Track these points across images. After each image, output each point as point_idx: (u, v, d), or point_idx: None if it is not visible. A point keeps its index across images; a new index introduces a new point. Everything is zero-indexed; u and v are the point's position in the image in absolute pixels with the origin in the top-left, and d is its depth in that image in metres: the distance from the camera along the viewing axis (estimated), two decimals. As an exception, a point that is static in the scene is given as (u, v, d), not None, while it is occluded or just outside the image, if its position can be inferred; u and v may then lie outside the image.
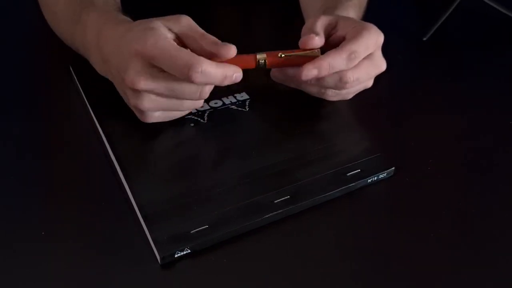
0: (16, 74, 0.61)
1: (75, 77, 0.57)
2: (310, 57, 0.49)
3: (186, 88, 0.45)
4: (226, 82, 0.45)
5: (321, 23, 0.51)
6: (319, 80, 0.49)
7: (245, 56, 0.48)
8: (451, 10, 0.71)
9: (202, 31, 0.46)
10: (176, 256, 0.41)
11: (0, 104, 0.56)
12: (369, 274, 0.42)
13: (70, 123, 0.55)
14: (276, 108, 0.55)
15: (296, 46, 0.50)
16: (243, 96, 0.56)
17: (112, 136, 0.50)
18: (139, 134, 0.49)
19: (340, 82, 0.49)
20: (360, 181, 0.48)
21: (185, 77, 0.43)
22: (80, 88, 0.55)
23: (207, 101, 0.53)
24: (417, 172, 0.50)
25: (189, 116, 0.52)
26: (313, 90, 0.52)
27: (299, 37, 0.52)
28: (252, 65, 0.49)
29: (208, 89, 0.46)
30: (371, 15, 0.60)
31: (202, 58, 0.43)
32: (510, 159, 0.53)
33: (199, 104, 0.49)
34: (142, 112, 0.47)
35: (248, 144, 0.50)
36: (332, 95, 0.53)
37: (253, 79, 0.50)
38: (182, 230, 0.42)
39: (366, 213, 0.47)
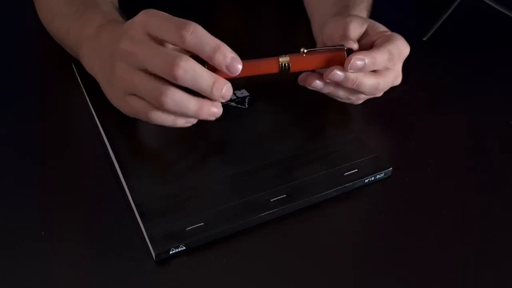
0: (18, 72, 0.61)
1: (77, 76, 0.57)
2: (335, 53, 0.47)
3: (158, 57, 0.42)
4: (218, 55, 0.42)
5: (354, 29, 0.51)
6: (358, 86, 0.49)
7: (266, 60, 0.46)
8: (451, 10, 0.71)
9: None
10: (171, 253, 0.41)
11: (1, 102, 0.56)
12: (366, 274, 0.42)
13: (71, 121, 0.55)
14: (276, 106, 0.55)
15: (300, 47, 0.48)
16: (243, 93, 0.56)
17: (112, 134, 0.50)
18: (138, 132, 0.50)
19: (376, 90, 0.50)
20: (357, 181, 0.47)
21: (176, 37, 0.42)
22: (82, 86, 0.56)
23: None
24: (416, 173, 0.50)
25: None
26: (341, 95, 0.52)
27: (303, 37, 0.51)
28: (274, 69, 0.46)
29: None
30: (371, 15, 0.60)
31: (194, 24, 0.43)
32: (510, 159, 0.52)
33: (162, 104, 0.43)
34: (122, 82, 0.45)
35: (246, 142, 0.50)
36: (344, 100, 0.53)
37: (253, 76, 0.50)
38: (178, 228, 0.42)
39: (363, 213, 0.47)
